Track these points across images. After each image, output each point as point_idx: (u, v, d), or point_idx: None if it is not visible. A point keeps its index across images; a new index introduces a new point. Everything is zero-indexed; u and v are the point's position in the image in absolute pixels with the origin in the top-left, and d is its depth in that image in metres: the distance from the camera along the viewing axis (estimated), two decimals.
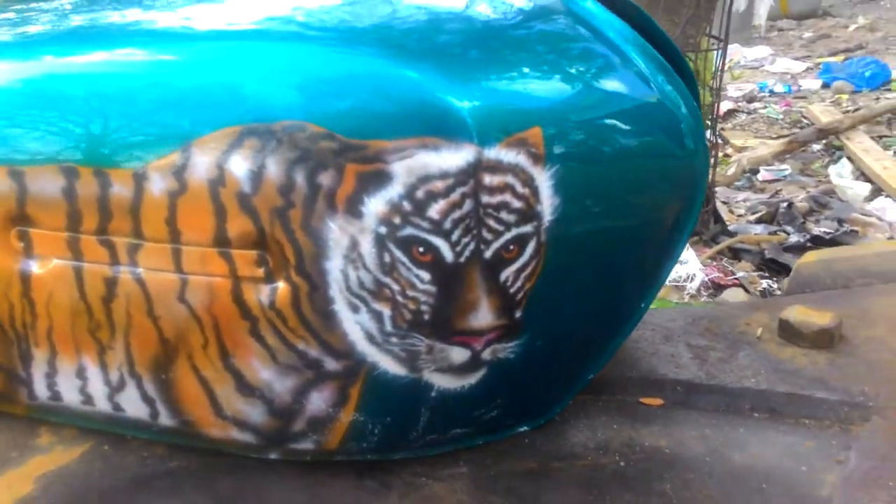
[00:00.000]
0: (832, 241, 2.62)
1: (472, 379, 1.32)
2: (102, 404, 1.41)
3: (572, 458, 1.44)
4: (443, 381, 1.31)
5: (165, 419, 1.39)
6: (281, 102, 1.19)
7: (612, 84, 1.29)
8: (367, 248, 1.20)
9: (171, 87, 1.23)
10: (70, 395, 1.41)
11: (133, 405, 1.39)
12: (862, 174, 3.50)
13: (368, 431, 1.35)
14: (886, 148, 3.74)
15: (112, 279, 1.29)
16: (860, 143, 3.73)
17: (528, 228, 1.22)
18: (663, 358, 1.67)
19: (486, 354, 1.29)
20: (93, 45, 1.33)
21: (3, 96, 1.28)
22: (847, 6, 8.52)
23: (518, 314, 1.28)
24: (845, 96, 4.85)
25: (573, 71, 1.28)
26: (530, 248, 1.23)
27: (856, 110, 4.34)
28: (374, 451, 1.38)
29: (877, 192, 3.31)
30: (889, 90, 4.94)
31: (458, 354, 1.28)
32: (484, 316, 1.25)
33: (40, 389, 1.42)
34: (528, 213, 1.21)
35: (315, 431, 1.35)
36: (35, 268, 1.32)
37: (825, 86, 5.14)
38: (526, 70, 1.25)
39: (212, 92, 1.21)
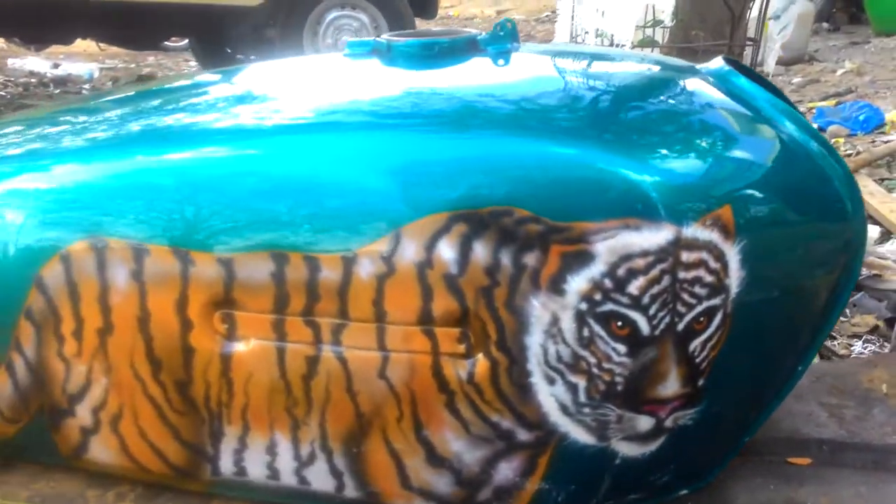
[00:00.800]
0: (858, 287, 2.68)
1: (653, 446, 1.38)
2: (288, 479, 1.46)
3: None
4: (627, 449, 1.37)
5: (351, 491, 1.44)
6: (487, 190, 1.27)
7: (778, 156, 1.38)
8: (567, 323, 1.27)
9: (377, 175, 1.31)
10: (256, 470, 1.46)
11: (320, 479, 1.44)
12: (869, 217, 3.57)
13: (552, 499, 1.40)
14: (890, 191, 3.83)
15: (314, 358, 1.36)
16: (865, 187, 3.80)
17: (716, 301, 1.30)
18: (800, 417, 1.73)
19: (669, 422, 1.36)
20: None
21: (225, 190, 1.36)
22: (833, 51, 8.77)
23: (701, 382, 1.34)
24: (842, 140, 4.94)
25: (743, 146, 1.37)
26: (717, 319, 1.31)
27: (857, 154, 4.43)
28: None
29: (886, 235, 3.39)
30: (883, 133, 5.04)
31: (645, 423, 1.34)
32: (672, 385, 1.32)
33: (226, 465, 1.47)
34: (718, 287, 1.29)
35: (500, 500, 1.41)
36: (236, 349, 1.39)
37: (821, 130, 5.26)
38: (703, 146, 1.33)
39: (420, 181, 1.29)
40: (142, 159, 1.44)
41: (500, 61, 1.59)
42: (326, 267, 1.32)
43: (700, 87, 1.49)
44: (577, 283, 1.25)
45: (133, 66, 7.12)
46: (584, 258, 1.25)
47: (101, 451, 1.52)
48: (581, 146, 1.29)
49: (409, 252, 1.28)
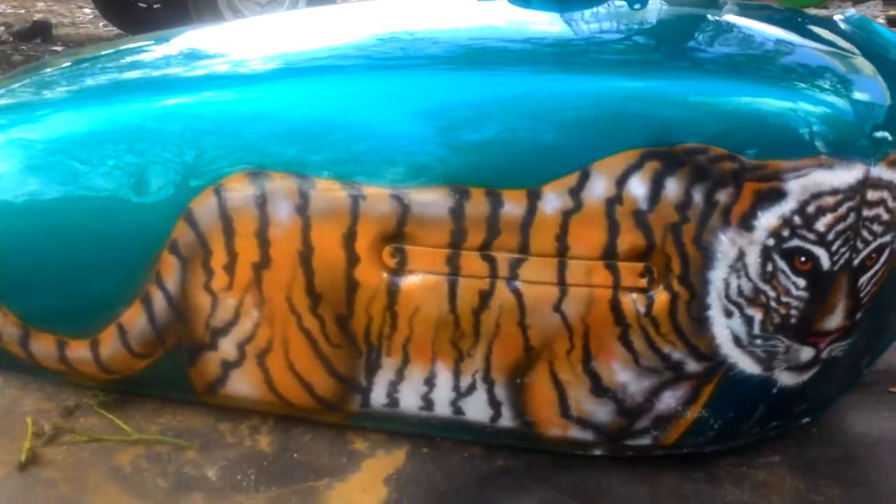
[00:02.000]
0: None
1: (806, 376, 1.43)
2: (442, 409, 1.46)
3: (867, 446, 1.57)
4: (786, 379, 1.42)
5: (506, 421, 1.46)
6: (681, 127, 1.26)
7: None
8: (752, 258, 1.29)
9: (576, 109, 1.29)
10: (409, 401, 1.46)
11: (476, 409, 1.45)
12: None
13: (708, 427, 1.45)
14: None
15: (487, 292, 1.35)
16: None
17: (888, 238, 1.34)
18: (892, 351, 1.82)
19: (825, 353, 1.41)
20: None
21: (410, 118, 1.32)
22: None
23: (858, 316, 1.39)
24: None
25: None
26: (885, 256, 1.35)
27: None
28: (705, 445, 1.49)
29: None
30: None
31: (807, 354, 1.39)
32: (837, 318, 1.37)
33: (377, 397, 1.47)
34: (892, 225, 1.33)
35: (657, 428, 1.44)
36: (405, 283, 1.36)
37: None
38: (884, 90, 1.35)
39: (614, 118, 1.28)
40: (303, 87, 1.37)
41: (637, 6, 1.57)
42: (510, 202, 1.30)
43: (851, 35, 1.50)
44: (767, 220, 1.27)
45: (23, 11, 6.64)
46: (776, 195, 1.26)
47: (242, 384, 1.49)
48: (777, 88, 1.29)
49: (599, 188, 1.28)
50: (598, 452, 1.50)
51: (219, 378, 1.49)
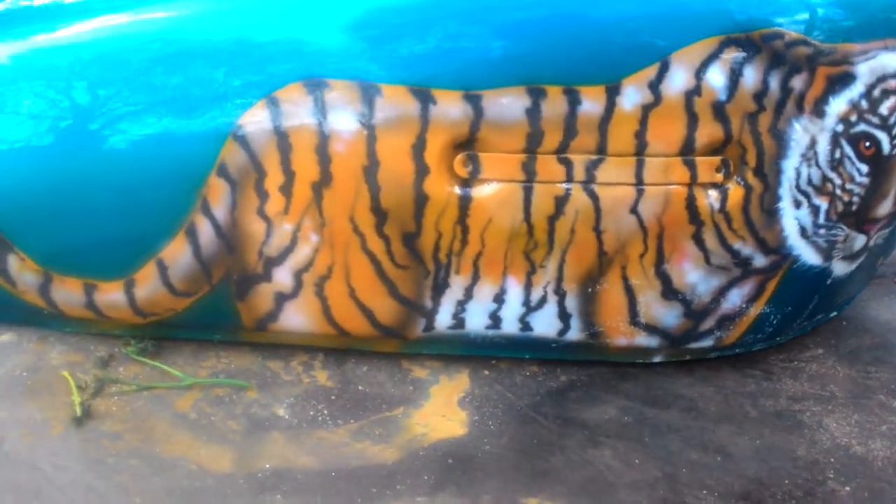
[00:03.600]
0: None
1: (854, 265, 1.47)
2: (510, 326, 1.43)
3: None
4: (839, 269, 1.45)
5: (574, 333, 1.44)
6: (756, 11, 1.26)
7: None
8: (822, 145, 1.31)
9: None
10: (476, 320, 1.42)
11: (545, 323, 1.42)
12: None
13: (767, 323, 1.47)
14: None
15: (563, 197, 1.32)
16: None
17: None
18: None
19: (871, 241, 1.45)
20: None
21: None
22: None
23: None
24: None
25: None
26: None
27: None
28: (763, 342, 1.51)
29: None
30: None
31: (860, 241, 1.43)
32: (888, 204, 1.41)
33: (443, 319, 1.42)
34: None
35: (720, 328, 1.46)
36: (477, 193, 1.31)
37: None
38: None
39: (691, 5, 1.26)
40: None
41: None
42: (588, 99, 1.27)
43: None
44: (838, 105, 1.29)
45: None
46: (845, 80, 1.28)
47: (296, 316, 1.41)
48: None
49: (678, 80, 1.26)
50: (657, 359, 1.50)
51: (271, 312, 1.40)
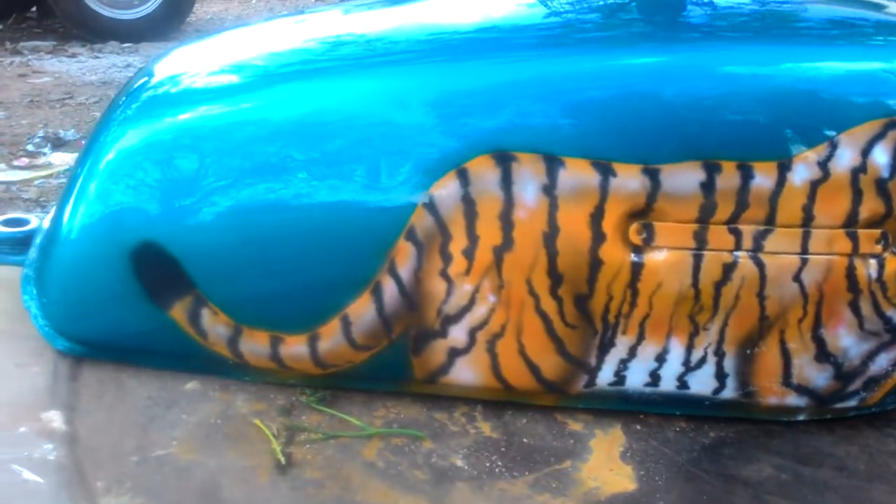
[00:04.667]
0: None
1: None
2: (667, 384, 1.50)
3: None
4: None
5: (729, 392, 1.51)
6: None
7: None
8: None
9: (821, 84, 1.35)
10: (635, 378, 1.49)
11: (701, 382, 1.50)
12: None
13: None
14: None
15: (731, 264, 1.40)
16: None
17: None
18: None
19: None
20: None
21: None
22: None
23: None
24: None
25: None
26: None
27: None
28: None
29: None
30: None
31: None
32: None
33: (604, 376, 1.49)
34: None
35: (866, 389, 1.52)
36: (650, 259, 1.40)
37: None
38: None
39: (863, 88, 1.35)
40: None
41: None
42: (760, 174, 1.35)
43: None
44: None
45: None
46: None
47: (466, 371, 1.49)
48: None
49: (846, 158, 1.35)
50: (801, 417, 1.56)
51: (443, 366, 1.49)
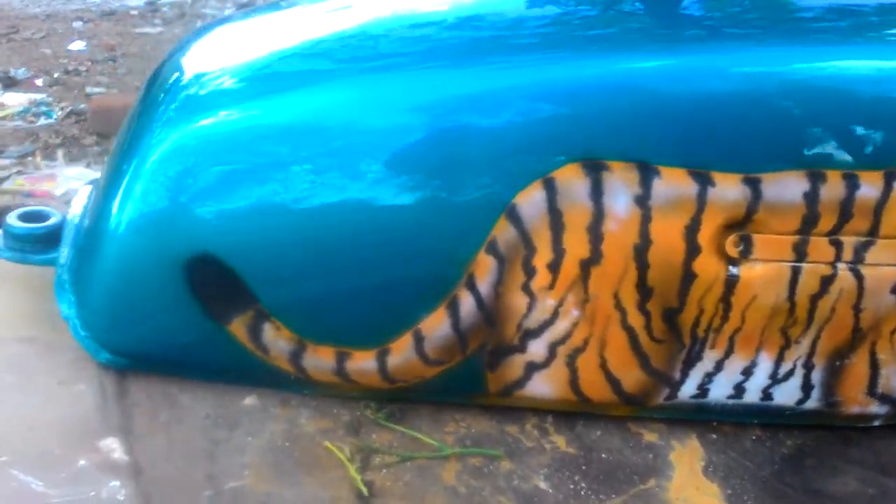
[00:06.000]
0: None
1: None
2: (752, 397, 1.44)
3: None
4: None
5: (812, 402, 1.45)
6: None
7: None
8: None
9: None
10: (719, 391, 1.43)
11: (786, 394, 1.44)
12: None
13: None
14: None
15: (829, 277, 1.33)
16: None
17: None
18: None
19: None
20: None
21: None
22: None
23: None
24: None
25: None
26: None
27: None
28: None
29: None
30: None
31: None
32: None
33: (687, 389, 1.43)
34: None
35: None
36: (746, 272, 1.32)
37: None
38: None
39: None
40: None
41: None
42: (866, 184, 1.28)
43: None
44: None
45: None
46: None
47: (542, 385, 1.42)
48: None
49: None
50: (876, 423, 1.52)
51: (519, 380, 1.41)
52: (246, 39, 1.60)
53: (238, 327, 1.37)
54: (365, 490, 1.27)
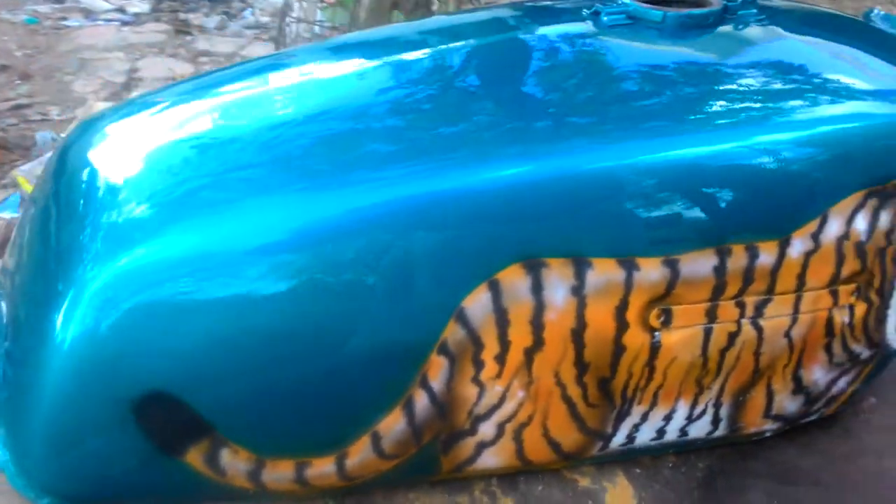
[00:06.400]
0: None
1: None
2: (671, 436, 1.61)
3: None
4: None
5: (720, 431, 1.64)
6: (891, 169, 1.48)
7: None
8: None
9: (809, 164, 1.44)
10: (644, 436, 1.59)
11: (699, 429, 1.62)
12: None
13: (854, 394, 1.75)
14: None
15: (735, 332, 1.50)
16: None
17: None
18: None
19: None
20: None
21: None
22: None
23: None
24: None
25: None
26: None
27: None
28: (842, 408, 1.79)
29: None
30: None
31: None
32: None
33: (618, 440, 1.57)
34: None
35: (827, 405, 1.72)
36: (666, 339, 1.47)
37: None
38: None
39: (845, 164, 1.46)
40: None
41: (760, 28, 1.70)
42: (764, 252, 1.44)
43: None
44: None
45: None
46: None
47: (491, 458, 1.51)
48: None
49: (833, 229, 1.47)
50: (768, 434, 1.74)
51: (470, 458, 1.50)
52: (147, 141, 1.52)
53: (194, 457, 1.36)
54: None
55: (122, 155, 1.47)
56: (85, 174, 1.45)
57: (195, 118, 1.56)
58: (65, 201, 1.46)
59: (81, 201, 1.41)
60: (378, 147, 1.39)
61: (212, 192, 1.33)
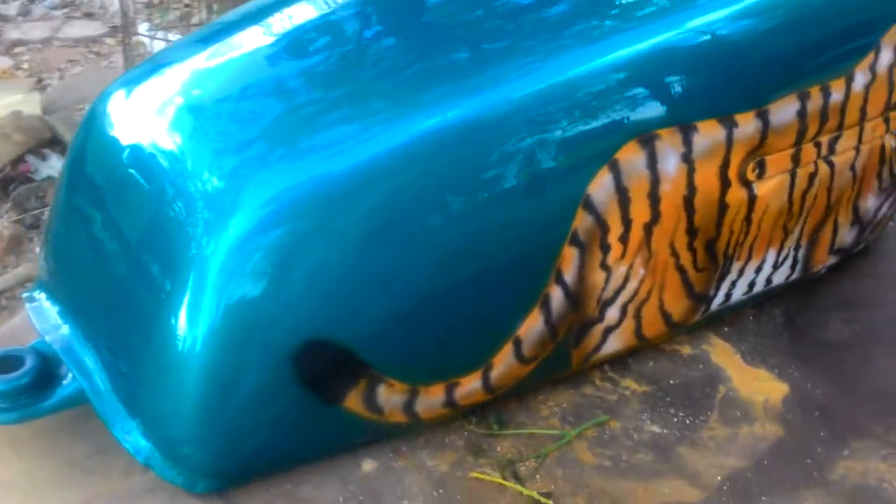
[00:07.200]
0: None
1: None
2: (759, 287, 1.67)
3: None
4: None
5: (795, 274, 1.72)
6: None
7: None
8: None
9: None
10: (738, 292, 1.64)
11: (780, 275, 1.69)
12: None
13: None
14: None
15: (813, 173, 1.57)
16: None
17: None
18: None
19: None
20: None
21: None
22: None
23: None
24: None
25: None
26: None
27: None
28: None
29: None
30: None
31: None
32: None
33: (717, 300, 1.63)
34: None
35: (872, 232, 1.84)
36: (760, 190, 1.52)
37: None
38: None
39: None
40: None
41: None
42: (834, 91, 1.52)
43: None
44: None
45: None
46: None
47: (614, 343, 1.54)
48: None
49: (886, 58, 1.55)
50: (823, 271, 1.84)
51: (597, 346, 1.52)
52: (195, 95, 1.41)
53: (353, 400, 1.31)
54: (546, 501, 1.31)
55: (175, 117, 1.36)
56: (143, 149, 1.33)
57: (237, 61, 1.46)
58: (129, 184, 1.34)
59: (151, 178, 1.31)
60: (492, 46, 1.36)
61: (327, 118, 1.26)
